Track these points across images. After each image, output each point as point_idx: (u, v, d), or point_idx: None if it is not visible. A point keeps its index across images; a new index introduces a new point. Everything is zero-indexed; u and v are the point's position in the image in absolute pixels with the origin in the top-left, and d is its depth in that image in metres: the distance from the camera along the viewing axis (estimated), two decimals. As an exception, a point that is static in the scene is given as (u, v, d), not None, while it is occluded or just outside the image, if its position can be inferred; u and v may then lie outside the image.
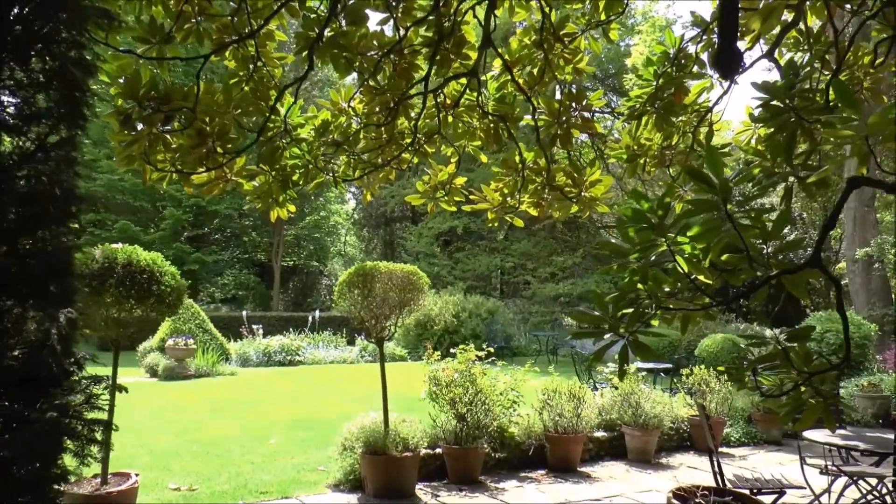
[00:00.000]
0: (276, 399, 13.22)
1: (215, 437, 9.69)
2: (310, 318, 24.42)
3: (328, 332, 23.06)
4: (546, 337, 22.36)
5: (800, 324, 20.19)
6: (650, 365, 12.05)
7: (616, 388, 12.32)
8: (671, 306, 2.77)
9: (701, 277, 2.59)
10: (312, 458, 8.57)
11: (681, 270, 2.59)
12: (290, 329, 23.36)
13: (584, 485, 7.73)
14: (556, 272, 28.66)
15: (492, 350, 8.58)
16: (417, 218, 36.22)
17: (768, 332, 2.71)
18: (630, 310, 2.74)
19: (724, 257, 2.55)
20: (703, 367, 10.33)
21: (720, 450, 9.65)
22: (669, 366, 13.19)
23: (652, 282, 2.66)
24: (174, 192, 30.59)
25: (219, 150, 4.86)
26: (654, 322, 2.79)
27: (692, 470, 8.55)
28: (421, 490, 7.29)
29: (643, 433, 8.86)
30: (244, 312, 25.18)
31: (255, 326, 21.71)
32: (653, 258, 2.68)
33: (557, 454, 8.26)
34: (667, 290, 2.71)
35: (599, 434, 9.03)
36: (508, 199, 5.97)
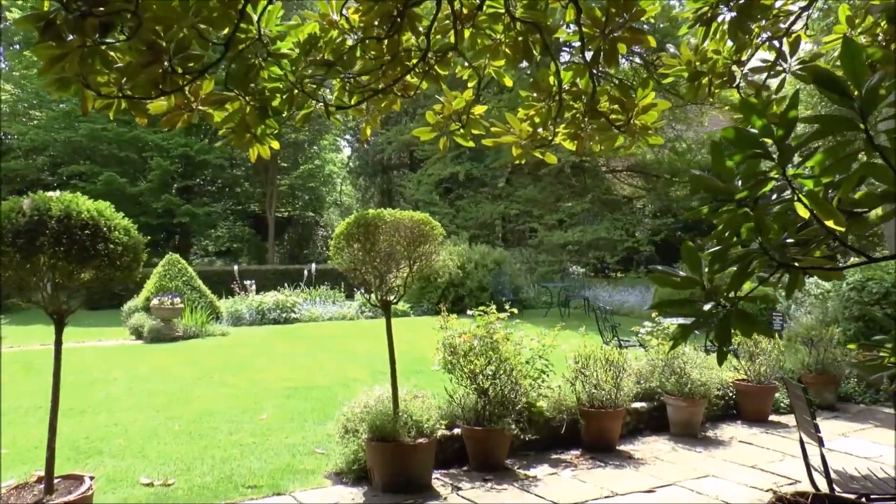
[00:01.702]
0: (269, 363, 12.07)
1: (200, 412, 8.55)
2: (306, 273, 23.20)
3: (325, 286, 21.87)
4: (557, 288, 21.20)
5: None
6: (681, 320, 10.84)
7: (643, 347, 11.24)
8: (797, 263, 2.10)
9: (830, 223, 1.92)
10: (309, 437, 7.46)
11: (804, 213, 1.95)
12: (286, 284, 22.16)
13: (629, 469, 6.59)
14: (564, 219, 27.34)
15: (515, 311, 7.38)
16: (416, 165, 34.78)
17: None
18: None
19: (857, 195, 1.97)
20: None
21: (770, 418, 8.53)
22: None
23: (772, 229, 2.05)
24: (160, 140, 29.14)
25: (178, 69, 3.63)
26: (747, 285, 2.19)
27: (746, 446, 7.42)
28: (438, 480, 6.16)
29: (689, 403, 7.71)
30: (236, 267, 23.94)
31: (247, 282, 20.46)
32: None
33: (593, 431, 7.13)
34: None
35: (638, 405, 7.89)
36: (539, 130, 4.76)
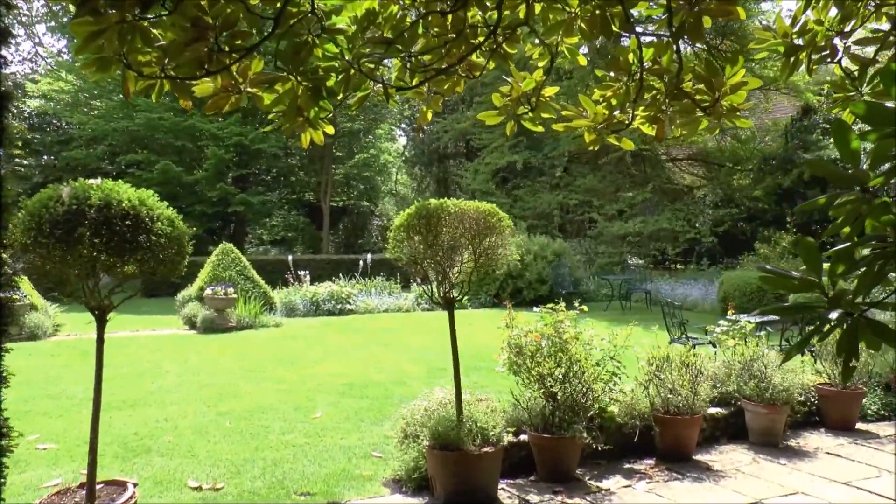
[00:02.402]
0: (323, 356, 11.76)
1: (252, 408, 8.26)
2: (361, 263, 22.90)
3: (381, 277, 21.54)
4: (618, 281, 20.54)
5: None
6: (757, 318, 10.16)
7: (713, 346, 10.63)
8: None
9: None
10: (366, 439, 7.08)
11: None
12: (341, 274, 21.90)
13: (708, 482, 6.07)
14: (624, 209, 26.54)
15: (585, 309, 6.90)
16: (473, 154, 34.25)
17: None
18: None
19: None
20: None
21: (857, 426, 7.90)
22: (775, 318, 11.24)
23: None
24: (216, 129, 29.15)
25: (225, 47, 3.27)
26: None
27: (834, 458, 6.81)
28: (504, 491, 5.72)
29: (770, 410, 7.13)
30: (290, 257, 23.77)
31: (301, 273, 20.23)
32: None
33: (668, 439, 6.61)
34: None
35: (714, 410, 7.33)
36: (616, 113, 4.26)
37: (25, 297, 13.48)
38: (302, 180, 36.71)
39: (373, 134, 38.44)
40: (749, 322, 8.11)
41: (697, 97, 4.04)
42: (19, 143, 29.01)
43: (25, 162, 33.17)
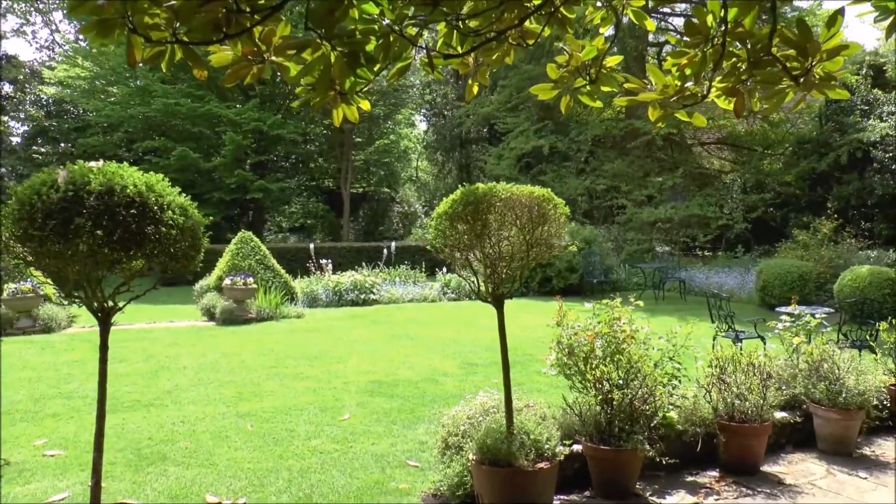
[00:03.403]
0: (348, 351, 11.18)
1: (274, 409, 7.71)
2: (384, 251, 22.28)
3: (405, 265, 20.93)
4: (651, 269, 19.82)
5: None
6: (803, 308, 9.43)
7: (762, 340, 9.97)
8: None
9: None
10: (399, 445, 6.50)
11: None
12: (363, 263, 21.33)
13: (783, 500, 5.40)
14: (654, 194, 25.70)
15: (641, 304, 6.26)
16: (496, 139, 33.51)
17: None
18: None
19: None
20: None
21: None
22: (829, 310, 10.49)
23: None
24: (233, 115, 28.59)
25: (244, 7, 2.72)
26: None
27: (918, 468, 6.16)
28: (557, 510, 5.12)
29: (843, 416, 6.47)
30: (311, 245, 23.20)
31: (323, 261, 19.65)
32: None
33: (734, 449, 5.96)
34: None
35: (780, 415, 6.67)
36: (689, 84, 3.63)
37: (39, 287, 12.97)
38: (321, 167, 36.18)
39: (392, 119, 37.82)
40: (814, 317, 7.44)
41: (790, 64, 3.43)
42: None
43: (43, 150, 32.90)
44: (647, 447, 5.26)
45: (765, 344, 9.86)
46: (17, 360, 10.50)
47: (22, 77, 35.30)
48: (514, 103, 29.53)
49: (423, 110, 42.24)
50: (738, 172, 29.31)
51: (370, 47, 3.02)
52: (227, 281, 14.63)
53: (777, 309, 12.37)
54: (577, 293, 18.41)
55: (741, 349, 6.46)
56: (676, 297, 18.87)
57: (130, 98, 28.88)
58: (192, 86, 28.81)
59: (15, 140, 34.85)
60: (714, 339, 10.10)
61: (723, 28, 3.22)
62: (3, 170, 32.57)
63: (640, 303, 6.35)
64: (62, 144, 32.07)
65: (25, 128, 35.66)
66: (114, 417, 7.42)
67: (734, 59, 3.49)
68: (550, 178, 27.93)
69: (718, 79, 3.52)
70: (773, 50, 3.41)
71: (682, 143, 28.58)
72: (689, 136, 30.12)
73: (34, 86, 34.21)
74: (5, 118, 34.58)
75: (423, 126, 44.85)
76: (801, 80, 3.45)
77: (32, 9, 38.67)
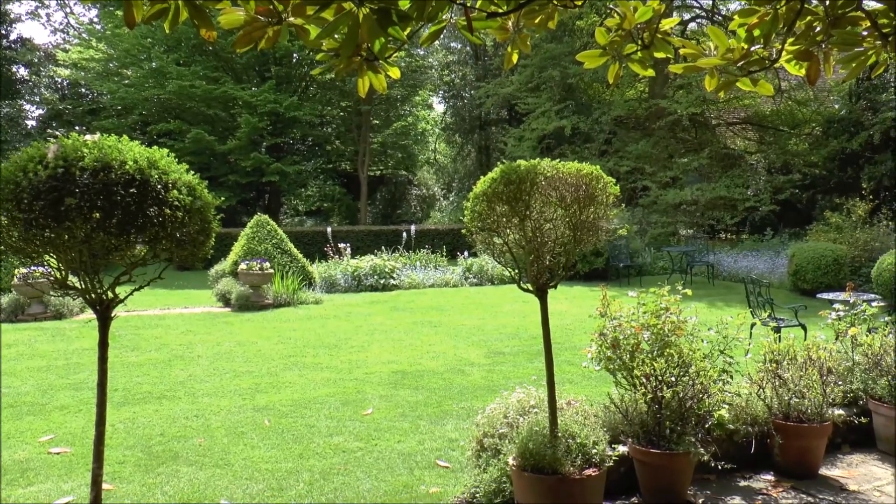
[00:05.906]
0: (369, 339, 10.75)
1: (293, 402, 7.29)
2: (404, 235, 21.80)
3: (426, 249, 20.45)
4: (678, 253, 19.24)
5: None
6: (845, 295, 8.83)
7: (803, 328, 9.46)
8: None
9: None
10: (427, 442, 6.07)
11: None
12: (382, 246, 20.88)
13: (851, 508, 4.94)
14: (679, 176, 25.02)
15: (689, 292, 5.78)
16: (516, 120, 32.86)
17: None
18: None
19: None
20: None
21: None
22: (876, 297, 9.89)
23: None
24: (249, 97, 28.14)
25: None
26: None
27: None
28: (604, 521, 4.66)
29: (908, 413, 5.97)
30: (329, 228, 22.77)
31: (342, 245, 19.21)
32: None
33: (791, 451, 5.46)
34: None
35: (838, 413, 6.14)
36: (756, 47, 3.20)
37: (50, 272, 12.61)
38: (338, 149, 35.71)
39: (410, 101, 37.27)
40: (871, 306, 6.93)
41: (881, 21, 3.03)
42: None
43: (57, 133, 32.59)
44: (702, 450, 4.79)
45: (805, 333, 9.35)
46: (27, 348, 10.16)
47: (37, 60, 35.01)
48: (535, 83, 28.89)
49: (441, 91, 41.63)
50: (763, 153, 28.60)
51: (403, 3, 2.59)
52: (242, 266, 14.23)
53: (819, 295, 11.84)
54: (603, 277, 17.87)
55: (779, 339, 5.96)
56: (704, 281, 18.31)
57: (145, 80, 28.54)
58: (208, 67, 28.43)
59: (30, 124, 34.61)
60: (752, 328, 9.57)
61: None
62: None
63: (689, 291, 5.85)
64: (77, 127, 31.74)
65: (41, 111, 35.45)
66: (125, 411, 7.05)
67: (809, 17, 3.04)
68: (572, 159, 27.31)
69: (791, 40, 3.07)
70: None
71: (706, 123, 27.87)
72: (713, 116, 29.40)
73: (49, 69, 33.91)
74: (20, 102, 34.34)
75: (440, 108, 44.26)
76: (892, 38, 3.01)
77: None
